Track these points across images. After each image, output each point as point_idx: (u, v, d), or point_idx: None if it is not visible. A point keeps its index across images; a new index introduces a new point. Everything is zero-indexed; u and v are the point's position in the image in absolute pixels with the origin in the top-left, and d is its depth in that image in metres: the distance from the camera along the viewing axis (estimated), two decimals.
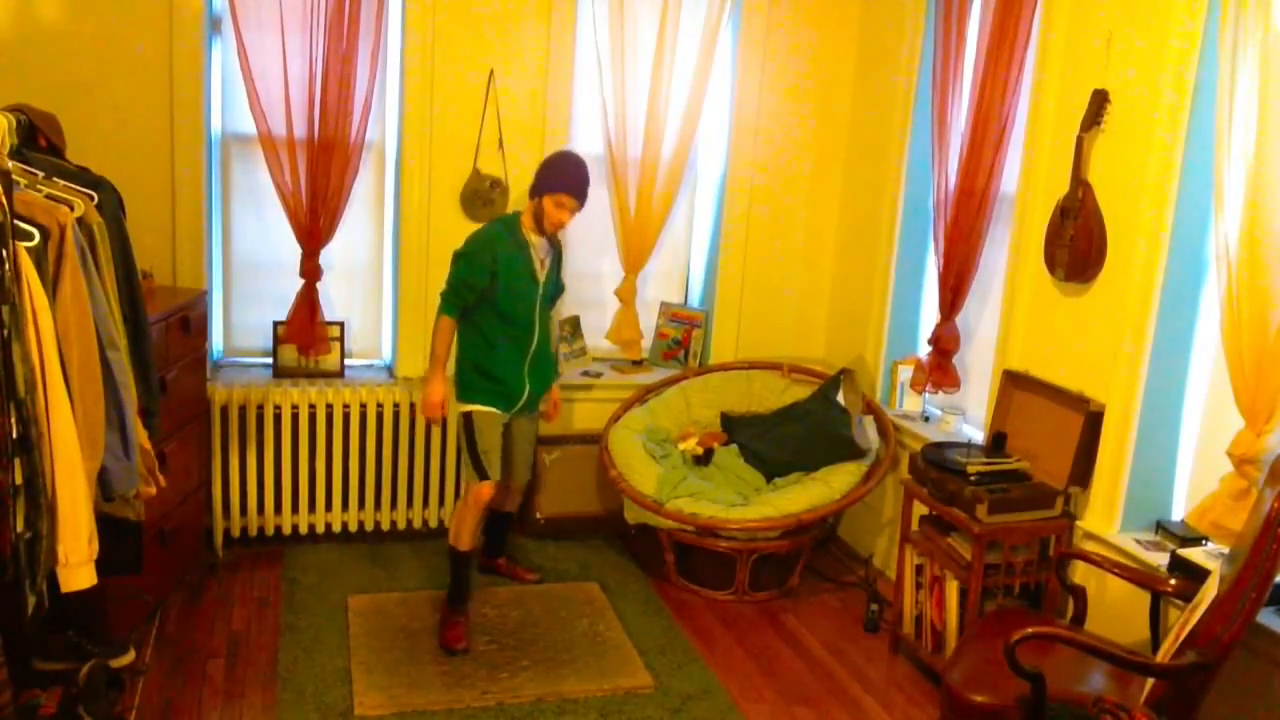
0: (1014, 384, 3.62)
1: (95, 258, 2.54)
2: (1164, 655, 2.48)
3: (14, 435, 2.18)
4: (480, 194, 4.33)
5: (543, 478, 4.47)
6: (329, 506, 4.27)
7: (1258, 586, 2.24)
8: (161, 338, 3.36)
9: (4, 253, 2.14)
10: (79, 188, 2.65)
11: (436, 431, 4.30)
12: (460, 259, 3.62)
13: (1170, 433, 3.19)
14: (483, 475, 3.66)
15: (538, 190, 3.63)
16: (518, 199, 4.33)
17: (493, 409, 3.69)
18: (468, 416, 3.67)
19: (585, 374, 4.64)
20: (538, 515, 4.48)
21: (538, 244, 3.69)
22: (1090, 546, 3.24)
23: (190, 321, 3.69)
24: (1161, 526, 3.18)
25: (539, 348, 3.76)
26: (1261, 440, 2.70)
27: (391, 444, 4.28)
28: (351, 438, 4.23)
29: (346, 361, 4.44)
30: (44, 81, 3.72)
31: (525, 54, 4.31)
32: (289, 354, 4.30)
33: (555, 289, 3.87)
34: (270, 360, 4.35)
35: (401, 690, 3.29)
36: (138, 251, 2.89)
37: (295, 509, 4.23)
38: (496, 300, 3.62)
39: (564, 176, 3.61)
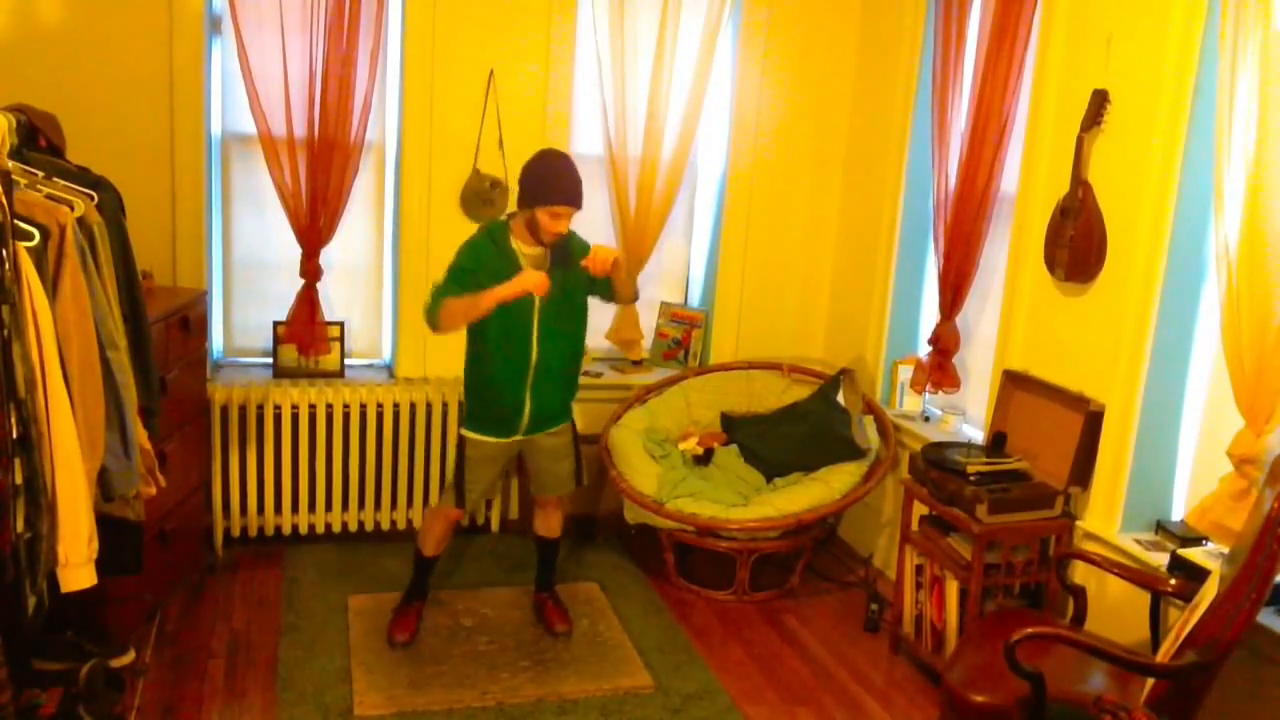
0: (1014, 384, 3.62)
1: (95, 258, 2.54)
2: (1164, 655, 2.48)
3: (14, 435, 2.18)
4: (480, 194, 4.33)
5: None
6: (329, 506, 4.27)
7: (1258, 586, 2.24)
8: (161, 338, 3.36)
9: (4, 253, 2.14)
10: (79, 188, 2.64)
11: (437, 432, 4.29)
12: (449, 272, 3.35)
13: (1170, 433, 3.19)
14: (455, 501, 3.55)
15: (528, 202, 3.28)
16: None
17: (487, 438, 3.49)
18: (461, 441, 3.55)
19: (585, 374, 4.63)
20: None
21: (532, 254, 3.35)
22: (1090, 546, 3.23)
23: (190, 321, 3.69)
24: (1161, 526, 3.18)
25: (542, 365, 3.42)
26: (1261, 440, 2.70)
27: (391, 444, 4.28)
28: (351, 438, 4.22)
29: (346, 361, 4.44)
30: (44, 82, 3.71)
31: (525, 54, 4.31)
32: (289, 354, 4.30)
33: (576, 291, 3.45)
34: (270, 360, 4.35)
35: (401, 690, 3.29)
36: (138, 251, 2.89)
37: (295, 509, 4.22)
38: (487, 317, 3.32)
39: (555, 185, 3.25)
